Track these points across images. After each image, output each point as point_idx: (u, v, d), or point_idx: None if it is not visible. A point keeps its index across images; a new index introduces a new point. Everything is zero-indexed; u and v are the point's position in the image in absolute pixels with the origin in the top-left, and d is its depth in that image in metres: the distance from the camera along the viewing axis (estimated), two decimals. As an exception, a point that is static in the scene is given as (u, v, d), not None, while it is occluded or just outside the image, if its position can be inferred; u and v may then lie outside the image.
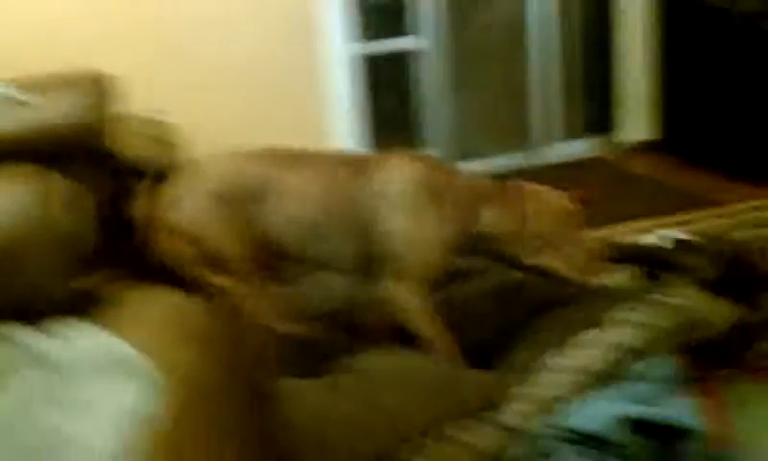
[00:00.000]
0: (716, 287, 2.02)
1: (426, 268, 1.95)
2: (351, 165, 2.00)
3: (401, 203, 1.92)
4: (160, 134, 2.70)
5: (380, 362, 1.89)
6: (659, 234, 2.18)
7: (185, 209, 1.93)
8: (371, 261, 1.97)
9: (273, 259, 2.06)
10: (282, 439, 1.38)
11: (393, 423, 1.62)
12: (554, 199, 1.97)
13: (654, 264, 2.06)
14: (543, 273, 1.97)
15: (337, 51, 3.79)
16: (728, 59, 3.81)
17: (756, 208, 3.31)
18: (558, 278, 1.96)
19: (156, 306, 1.26)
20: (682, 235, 2.09)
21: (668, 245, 2.10)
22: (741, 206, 3.35)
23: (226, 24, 3.57)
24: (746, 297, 2.00)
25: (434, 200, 1.94)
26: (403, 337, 1.98)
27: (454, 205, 1.95)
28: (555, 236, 1.92)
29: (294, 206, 1.94)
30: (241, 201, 1.94)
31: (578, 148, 4.56)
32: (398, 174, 1.95)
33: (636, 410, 1.64)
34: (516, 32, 4.44)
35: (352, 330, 2.14)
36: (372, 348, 2.01)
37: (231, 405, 1.09)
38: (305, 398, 1.68)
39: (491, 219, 1.93)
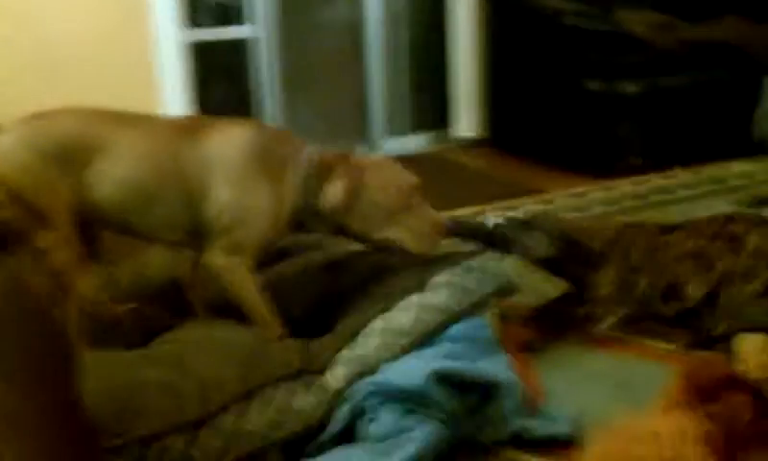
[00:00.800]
0: (549, 265, 2.12)
1: (254, 241, 1.88)
2: (183, 129, 1.92)
3: (231, 171, 1.85)
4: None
5: (196, 332, 1.84)
6: (498, 216, 2.25)
7: (5, 162, 1.81)
8: (199, 232, 1.91)
9: (97, 228, 1.97)
10: (86, 405, 1.31)
11: (203, 387, 1.57)
12: (395, 172, 1.96)
13: (491, 241, 2.13)
14: (385, 246, 1.96)
15: (169, 36, 3.69)
16: (542, 58, 4.04)
17: (574, 195, 3.51)
18: (399, 250, 1.94)
19: None
20: (520, 216, 2.17)
21: (506, 224, 2.17)
22: (562, 192, 3.55)
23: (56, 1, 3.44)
24: (576, 274, 2.11)
25: (267, 170, 1.87)
26: (228, 310, 1.95)
27: (290, 176, 1.89)
28: (396, 209, 1.90)
29: (121, 167, 1.84)
30: (66, 158, 1.83)
31: (413, 143, 4.68)
32: (230, 141, 1.88)
33: (452, 367, 1.68)
34: (353, 29, 4.50)
35: (176, 305, 2.08)
36: (193, 320, 1.97)
37: (13, 344, 1.03)
38: (115, 366, 1.61)
39: (330, 192, 1.89)
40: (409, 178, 1.95)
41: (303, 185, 1.90)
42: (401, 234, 1.92)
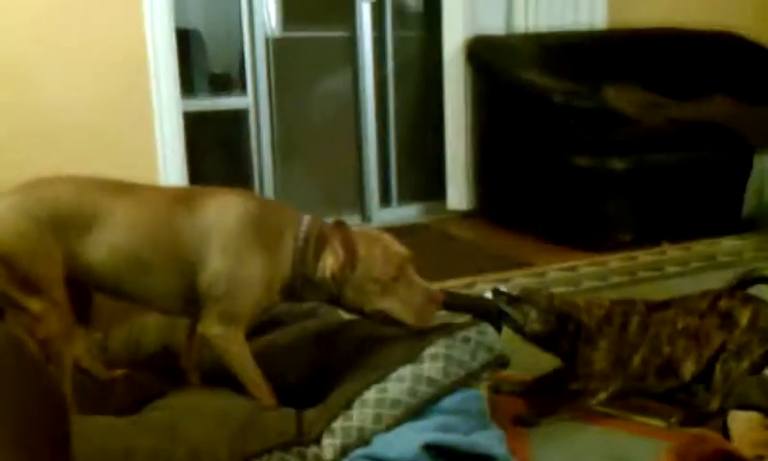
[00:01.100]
0: (540, 340, 2.12)
1: (249, 309, 1.88)
2: (179, 198, 1.94)
3: (227, 240, 1.86)
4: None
5: (189, 399, 1.84)
6: (492, 288, 2.23)
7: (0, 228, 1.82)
8: (195, 301, 1.91)
9: (90, 293, 1.98)
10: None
11: (195, 455, 1.56)
12: (389, 244, 1.95)
13: (483, 315, 2.12)
14: (378, 318, 1.94)
15: (169, 105, 3.75)
16: (532, 134, 4.12)
17: (565, 269, 3.55)
18: (392, 322, 1.93)
19: None
20: (513, 291, 2.16)
21: (498, 298, 2.16)
22: (552, 266, 3.59)
23: (58, 69, 3.50)
24: (567, 350, 2.11)
25: (262, 239, 1.88)
26: (222, 379, 1.94)
27: (285, 245, 1.90)
28: (390, 281, 1.88)
29: (116, 235, 1.85)
30: (61, 225, 1.83)
31: (405, 214, 4.73)
32: (226, 210, 1.89)
33: (445, 439, 1.68)
34: (347, 101, 4.59)
35: (168, 372, 2.08)
36: (186, 388, 1.96)
37: (10, 404, 1.04)
38: (106, 432, 1.60)
39: (325, 263, 1.89)
40: (403, 250, 1.96)
41: (299, 255, 1.91)
42: (394, 306, 1.91)
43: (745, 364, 2.07)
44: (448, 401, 1.83)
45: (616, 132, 3.94)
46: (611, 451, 1.92)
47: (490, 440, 1.77)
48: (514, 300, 2.12)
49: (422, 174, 4.87)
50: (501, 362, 1.98)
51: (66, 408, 1.30)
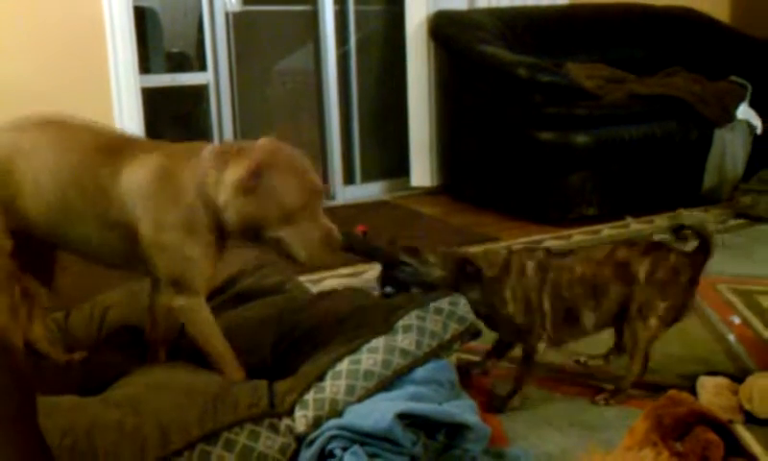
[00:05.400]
0: (446, 286, 2.01)
1: (196, 274, 1.79)
2: (107, 148, 1.81)
3: (145, 209, 1.74)
4: None
5: (156, 375, 1.79)
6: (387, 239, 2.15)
7: None
8: (136, 260, 1.80)
9: (53, 255, 1.92)
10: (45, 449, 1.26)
11: (165, 429, 1.51)
12: (304, 169, 1.79)
13: (385, 262, 2.05)
14: (275, 246, 1.79)
15: (128, 81, 3.67)
16: (496, 109, 4.12)
17: (529, 243, 3.55)
18: (286, 255, 1.79)
19: None
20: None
21: (395, 248, 2.09)
22: (518, 240, 3.60)
23: (16, 46, 3.41)
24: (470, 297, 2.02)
25: (178, 199, 1.75)
26: (188, 356, 1.91)
27: (195, 192, 1.75)
28: (295, 206, 1.74)
29: (41, 170, 1.76)
30: None
31: (370, 191, 4.70)
32: (140, 175, 1.76)
33: (418, 408, 1.66)
34: (309, 78, 4.54)
35: (131, 351, 2.03)
36: (151, 365, 1.92)
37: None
38: (70, 409, 1.55)
39: (230, 174, 1.73)
40: (317, 181, 1.82)
41: (203, 191, 1.76)
42: (292, 238, 1.77)
43: (652, 322, 2.00)
44: (420, 372, 1.82)
45: (579, 106, 3.94)
46: (577, 418, 1.93)
47: (462, 409, 1.76)
48: (411, 249, 2.03)
49: (386, 150, 4.84)
50: (472, 333, 1.97)
51: (32, 383, 1.26)
